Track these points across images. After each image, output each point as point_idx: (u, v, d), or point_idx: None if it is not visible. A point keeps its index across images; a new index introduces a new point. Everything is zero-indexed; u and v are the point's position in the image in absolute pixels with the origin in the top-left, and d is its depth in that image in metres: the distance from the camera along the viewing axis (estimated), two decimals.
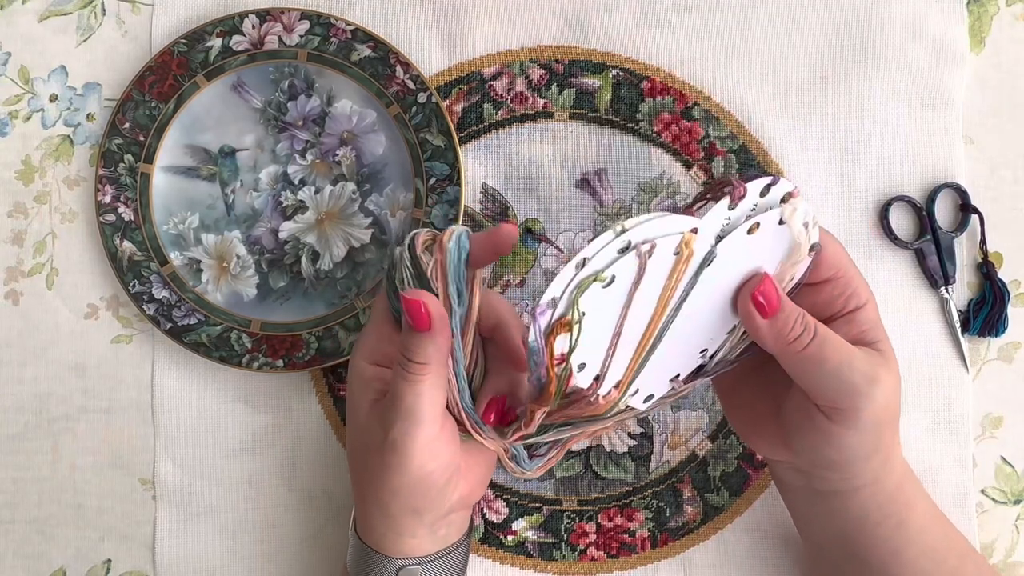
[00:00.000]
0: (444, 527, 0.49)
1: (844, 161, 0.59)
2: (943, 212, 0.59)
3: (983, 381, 0.58)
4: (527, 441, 0.48)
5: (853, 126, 0.59)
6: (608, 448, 0.58)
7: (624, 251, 0.41)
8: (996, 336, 0.58)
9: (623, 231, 0.41)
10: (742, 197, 0.44)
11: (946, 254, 0.58)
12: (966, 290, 0.58)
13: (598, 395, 0.45)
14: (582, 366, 0.43)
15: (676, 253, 0.42)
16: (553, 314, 0.40)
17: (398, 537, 0.48)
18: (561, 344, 0.41)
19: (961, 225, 0.58)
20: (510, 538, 0.58)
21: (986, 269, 0.58)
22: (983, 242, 0.58)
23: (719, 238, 0.43)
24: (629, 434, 0.58)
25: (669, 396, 0.49)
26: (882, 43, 0.59)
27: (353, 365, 0.48)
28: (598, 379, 0.44)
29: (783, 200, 0.45)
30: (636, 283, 0.42)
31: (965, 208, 0.58)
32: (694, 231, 0.42)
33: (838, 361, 0.45)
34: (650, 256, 0.41)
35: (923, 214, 0.58)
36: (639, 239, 0.41)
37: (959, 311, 0.58)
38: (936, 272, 0.58)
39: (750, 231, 0.44)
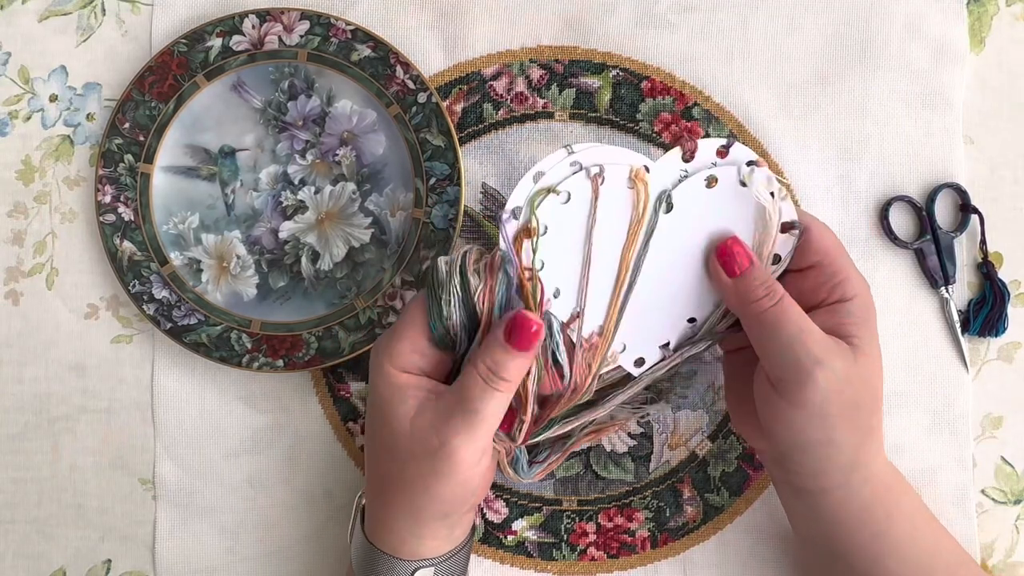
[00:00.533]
0: (459, 527, 0.50)
1: (844, 161, 0.59)
2: (943, 212, 0.59)
3: (983, 381, 0.58)
4: (532, 440, 0.49)
5: (853, 126, 0.59)
6: (608, 448, 0.58)
7: (576, 171, 0.45)
8: (996, 336, 0.58)
9: (572, 152, 0.45)
10: (693, 151, 0.47)
11: (946, 254, 0.58)
12: (966, 290, 0.58)
13: (583, 338, 0.48)
14: (557, 292, 0.46)
15: (631, 187, 0.45)
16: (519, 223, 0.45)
17: (420, 540, 0.48)
18: (527, 253, 0.44)
19: (961, 225, 0.58)
20: (510, 538, 0.58)
21: (986, 269, 0.58)
22: (983, 242, 0.58)
23: (674, 185, 0.47)
24: (629, 434, 0.58)
25: (661, 367, 0.50)
26: (882, 43, 0.59)
27: (384, 372, 0.47)
28: (579, 316, 0.47)
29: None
30: (593, 205, 0.45)
31: (965, 208, 0.58)
32: (645, 168, 0.46)
33: (792, 332, 0.46)
34: (602, 182, 0.45)
35: (923, 214, 0.58)
36: (589, 162, 0.45)
37: (959, 311, 0.58)
38: (936, 272, 0.58)
39: (708, 184, 0.47)
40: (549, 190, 0.44)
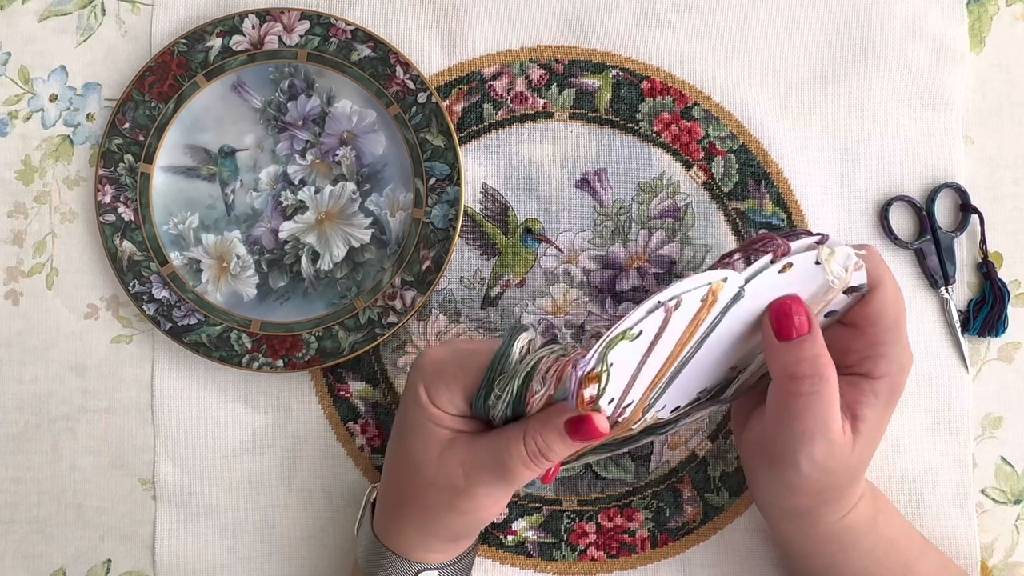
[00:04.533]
0: (466, 543, 0.51)
1: (844, 161, 0.59)
2: (943, 212, 0.59)
3: (983, 381, 0.58)
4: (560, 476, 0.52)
5: (853, 126, 0.59)
6: None
7: (653, 310, 0.42)
8: (996, 336, 0.58)
9: (659, 303, 0.42)
10: (785, 255, 0.44)
11: (946, 254, 0.58)
12: (966, 290, 0.58)
13: (618, 422, 0.46)
14: (611, 400, 0.44)
15: (703, 300, 0.43)
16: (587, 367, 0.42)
17: (426, 552, 0.49)
18: (590, 391, 0.42)
19: (961, 225, 0.58)
20: (510, 538, 0.58)
21: (986, 269, 0.58)
22: (983, 242, 0.58)
23: (748, 279, 0.44)
24: None
25: (688, 422, 0.52)
26: (882, 43, 0.59)
27: (418, 395, 0.47)
28: (627, 407, 0.46)
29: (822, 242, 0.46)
30: (660, 333, 0.42)
31: (965, 208, 0.58)
32: (724, 280, 0.43)
33: (808, 427, 0.45)
34: (677, 309, 0.42)
35: (923, 214, 0.58)
36: (667, 297, 0.42)
37: (959, 311, 0.58)
38: (936, 272, 0.58)
39: (782, 271, 0.44)
40: (623, 336, 0.41)
